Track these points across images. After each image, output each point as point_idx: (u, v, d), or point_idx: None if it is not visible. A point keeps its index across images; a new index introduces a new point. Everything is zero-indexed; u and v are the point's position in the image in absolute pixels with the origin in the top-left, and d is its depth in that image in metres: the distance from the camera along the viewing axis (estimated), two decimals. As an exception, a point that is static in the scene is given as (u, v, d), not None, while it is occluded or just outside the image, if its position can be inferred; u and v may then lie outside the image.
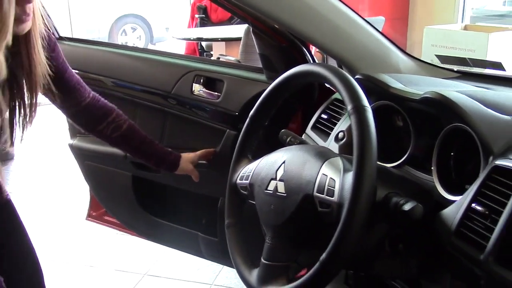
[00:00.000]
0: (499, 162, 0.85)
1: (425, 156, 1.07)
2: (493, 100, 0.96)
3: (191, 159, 1.54)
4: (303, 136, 1.38)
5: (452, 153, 1.03)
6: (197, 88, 1.67)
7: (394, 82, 1.09)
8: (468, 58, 1.37)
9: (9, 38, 0.94)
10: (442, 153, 1.03)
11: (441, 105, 0.94)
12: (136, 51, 1.93)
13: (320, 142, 1.30)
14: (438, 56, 1.44)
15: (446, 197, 0.95)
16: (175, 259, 2.50)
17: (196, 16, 5.56)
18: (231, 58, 3.80)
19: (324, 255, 0.79)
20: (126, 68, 1.81)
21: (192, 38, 4.42)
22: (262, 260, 0.94)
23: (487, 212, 0.82)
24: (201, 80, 1.66)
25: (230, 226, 1.06)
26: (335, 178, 0.85)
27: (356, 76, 1.18)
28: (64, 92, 1.28)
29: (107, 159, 1.89)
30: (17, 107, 1.13)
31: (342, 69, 1.40)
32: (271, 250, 0.93)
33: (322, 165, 0.89)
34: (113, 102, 1.84)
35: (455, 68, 1.48)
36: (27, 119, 1.15)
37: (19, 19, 0.99)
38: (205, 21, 5.58)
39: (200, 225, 1.84)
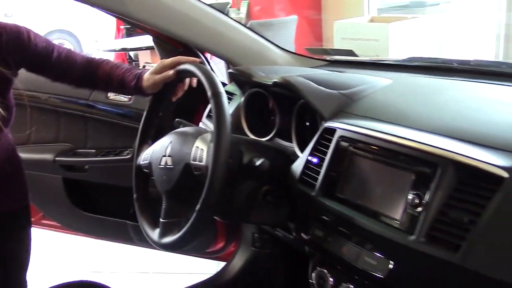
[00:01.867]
0: (327, 124, 1.14)
1: (289, 129, 1.35)
2: (325, 80, 1.25)
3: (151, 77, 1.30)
4: (200, 124, 1.64)
5: (307, 123, 1.33)
6: (112, 93, 1.90)
7: (256, 73, 1.37)
8: (329, 48, 1.68)
9: None
10: (299, 124, 1.32)
11: (285, 87, 1.23)
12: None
13: (212, 128, 1.56)
14: (307, 49, 1.74)
15: (299, 155, 1.24)
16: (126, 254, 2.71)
17: (122, 27, 5.73)
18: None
19: (198, 204, 1.06)
20: (48, 81, 2.02)
21: (117, 49, 4.60)
22: (161, 220, 1.20)
23: (318, 161, 1.12)
24: (114, 86, 1.89)
25: (138, 199, 1.31)
26: (204, 148, 1.12)
27: (229, 70, 1.45)
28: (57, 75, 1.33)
29: (38, 165, 2.09)
30: None
31: (229, 67, 1.68)
32: (166, 210, 1.19)
33: (196, 139, 1.15)
34: (40, 113, 2.06)
35: (329, 57, 1.80)
36: None
37: None
38: (131, 32, 5.75)
39: (128, 215, 2.07)
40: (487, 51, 4.41)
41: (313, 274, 1.10)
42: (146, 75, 1.30)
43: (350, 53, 1.64)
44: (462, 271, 0.80)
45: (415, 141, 0.93)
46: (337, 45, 4.77)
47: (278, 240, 1.56)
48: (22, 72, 1.33)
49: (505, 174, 0.81)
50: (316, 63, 1.73)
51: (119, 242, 2.21)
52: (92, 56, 1.38)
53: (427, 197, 0.88)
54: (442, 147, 0.89)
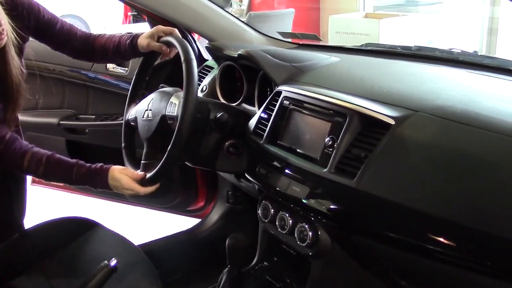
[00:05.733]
0: (278, 88, 1.42)
1: (254, 95, 1.63)
2: (282, 54, 1.52)
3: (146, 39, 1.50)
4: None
5: (269, 91, 1.60)
6: (111, 65, 2.19)
7: (227, 46, 1.64)
8: (298, 33, 1.94)
9: None
10: (261, 91, 1.59)
11: (247, 58, 1.50)
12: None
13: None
14: (278, 32, 2.01)
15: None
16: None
17: (129, 13, 6.02)
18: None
19: (169, 147, 1.33)
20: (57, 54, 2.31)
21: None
22: (142, 161, 1.48)
23: (267, 117, 1.39)
24: (113, 59, 2.18)
25: (125, 148, 1.59)
26: (176, 103, 1.39)
27: (205, 45, 1.73)
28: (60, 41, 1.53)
29: (44, 128, 2.38)
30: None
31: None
32: (146, 154, 1.47)
33: (171, 96, 1.43)
34: (48, 82, 2.34)
35: (300, 42, 2.06)
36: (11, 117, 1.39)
37: None
38: (138, 18, 6.05)
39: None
40: (473, 44, 4.68)
41: (260, 207, 1.38)
42: (142, 36, 1.50)
43: (315, 37, 1.91)
44: (356, 192, 1.08)
45: (333, 98, 1.20)
46: (331, 38, 5.03)
47: (248, 196, 1.84)
48: (34, 44, 1.56)
49: (392, 122, 1.08)
50: (287, 45, 1.99)
51: (112, 199, 2.49)
52: (92, 32, 1.61)
53: (338, 139, 1.15)
54: (351, 102, 1.16)
